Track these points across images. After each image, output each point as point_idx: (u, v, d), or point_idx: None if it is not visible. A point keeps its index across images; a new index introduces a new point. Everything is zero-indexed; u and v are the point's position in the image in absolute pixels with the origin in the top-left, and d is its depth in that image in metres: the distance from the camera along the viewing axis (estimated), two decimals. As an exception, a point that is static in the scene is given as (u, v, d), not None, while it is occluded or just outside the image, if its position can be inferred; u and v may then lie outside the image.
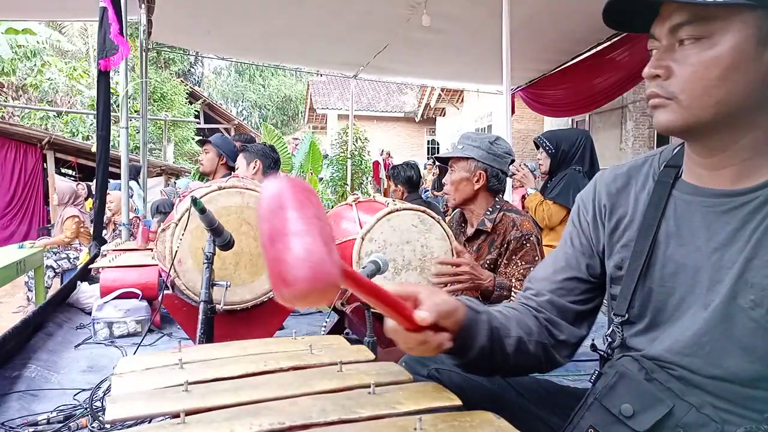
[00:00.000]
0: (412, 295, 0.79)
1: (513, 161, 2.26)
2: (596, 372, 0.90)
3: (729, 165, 0.82)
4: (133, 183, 7.20)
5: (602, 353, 0.93)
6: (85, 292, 3.47)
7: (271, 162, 3.26)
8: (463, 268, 1.86)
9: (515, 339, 0.91)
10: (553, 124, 9.60)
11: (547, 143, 3.09)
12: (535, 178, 3.65)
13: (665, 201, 0.89)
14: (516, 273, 1.96)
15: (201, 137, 4.16)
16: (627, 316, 0.90)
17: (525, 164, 3.43)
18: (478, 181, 2.09)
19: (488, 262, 2.04)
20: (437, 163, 4.64)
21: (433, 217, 2.00)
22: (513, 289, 1.91)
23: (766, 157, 0.80)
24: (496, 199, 2.13)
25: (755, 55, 0.75)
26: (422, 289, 0.80)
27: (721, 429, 0.75)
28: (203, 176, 4.58)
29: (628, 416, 0.79)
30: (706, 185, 0.85)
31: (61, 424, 1.78)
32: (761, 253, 0.77)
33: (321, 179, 11.12)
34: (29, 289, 5.36)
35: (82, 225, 5.57)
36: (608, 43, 5.77)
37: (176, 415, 0.76)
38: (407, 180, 4.15)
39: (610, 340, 0.92)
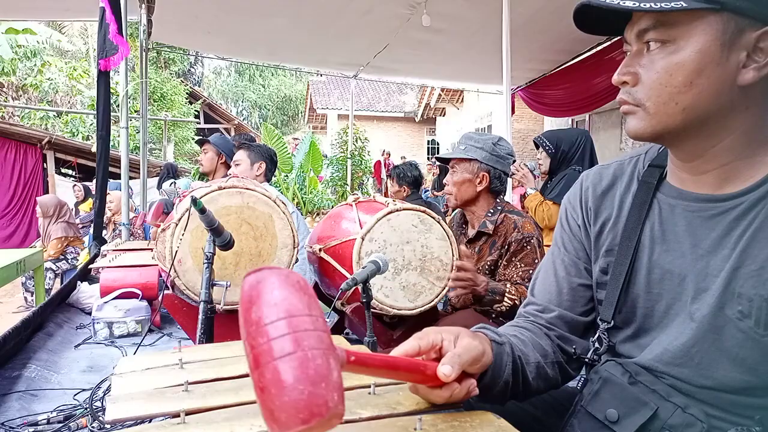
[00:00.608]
0: (433, 344, 0.75)
1: (514, 161, 2.25)
2: (582, 378, 0.89)
3: (710, 169, 0.80)
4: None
5: (587, 360, 0.91)
6: (85, 292, 3.47)
7: (272, 167, 3.26)
8: (468, 274, 1.86)
9: (534, 365, 0.89)
10: (553, 124, 9.60)
11: (547, 143, 3.09)
12: (535, 178, 3.65)
13: (649, 203, 0.87)
14: (514, 275, 1.95)
15: (201, 137, 4.16)
16: (613, 322, 0.88)
17: (525, 164, 3.43)
18: (480, 182, 2.08)
19: (489, 263, 2.03)
20: (438, 162, 4.63)
21: (433, 217, 2.00)
22: (506, 293, 1.89)
23: (747, 161, 0.78)
24: (497, 200, 2.13)
25: (720, 58, 0.72)
26: (445, 335, 0.76)
27: (707, 429, 0.75)
28: (203, 176, 4.59)
29: (613, 421, 0.79)
30: (689, 189, 0.83)
31: (61, 424, 1.77)
32: (748, 262, 0.75)
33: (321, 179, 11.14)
34: (26, 290, 5.35)
35: (70, 239, 5.58)
36: (608, 43, 5.76)
37: (176, 415, 0.76)
38: (414, 180, 4.17)
39: (596, 345, 0.90)
